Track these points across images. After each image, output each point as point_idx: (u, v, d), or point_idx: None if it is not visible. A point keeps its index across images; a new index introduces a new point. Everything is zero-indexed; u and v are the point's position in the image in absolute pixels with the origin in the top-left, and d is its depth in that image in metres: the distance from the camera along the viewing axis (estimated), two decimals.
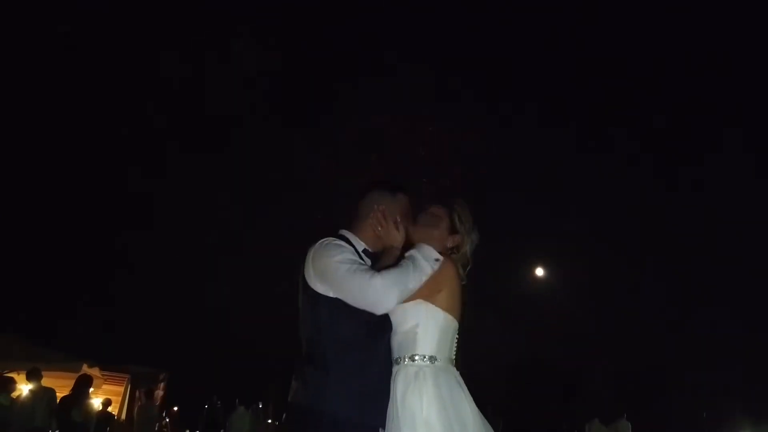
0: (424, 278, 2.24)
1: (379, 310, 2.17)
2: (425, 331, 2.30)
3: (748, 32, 23.82)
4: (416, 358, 2.28)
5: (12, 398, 8.22)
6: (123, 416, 12.49)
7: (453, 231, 2.51)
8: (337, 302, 2.22)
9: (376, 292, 2.11)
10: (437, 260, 2.30)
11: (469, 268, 2.56)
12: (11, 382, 8.24)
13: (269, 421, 17.12)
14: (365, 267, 2.23)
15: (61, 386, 9.35)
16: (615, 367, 31.97)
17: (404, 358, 2.29)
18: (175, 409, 24.96)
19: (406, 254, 2.31)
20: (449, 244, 2.50)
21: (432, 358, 2.28)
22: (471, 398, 2.28)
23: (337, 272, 2.18)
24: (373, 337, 2.28)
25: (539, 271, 19.18)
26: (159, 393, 14.36)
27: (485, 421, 2.27)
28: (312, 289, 2.28)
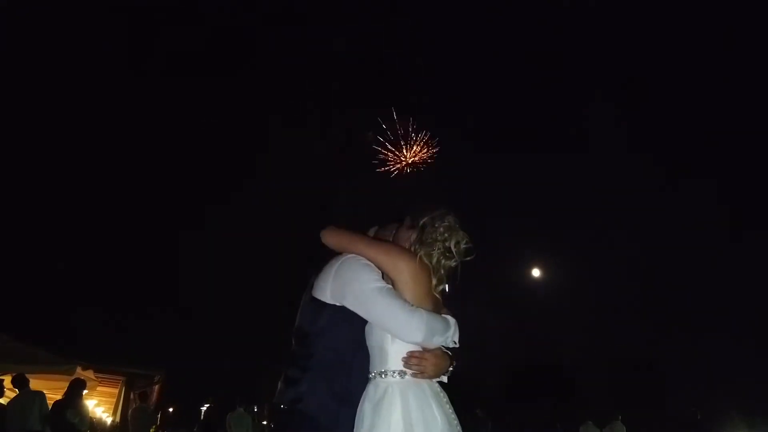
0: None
1: (405, 339, 2.18)
2: (393, 343, 2.18)
3: None
4: (385, 373, 2.16)
5: (6, 400, 8.16)
6: (117, 418, 12.40)
7: (411, 226, 2.37)
8: (339, 310, 2.24)
9: (410, 326, 2.13)
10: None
11: (444, 283, 2.35)
12: (2, 385, 8.16)
13: (264, 423, 17.04)
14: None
15: (55, 389, 9.24)
16: (609, 369, 32.03)
17: (374, 374, 2.19)
18: (171, 410, 24.87)
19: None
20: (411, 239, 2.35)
21: (402, 373, 2.16)
22: (449, 411, 2.17)
23: (374, 295, 2.18)
24: (362, 349, 2.26)
25: (535, 275, 19.21)
26: (154, 394, 14.27)
27: None
28: (318, 299, 2.30)
